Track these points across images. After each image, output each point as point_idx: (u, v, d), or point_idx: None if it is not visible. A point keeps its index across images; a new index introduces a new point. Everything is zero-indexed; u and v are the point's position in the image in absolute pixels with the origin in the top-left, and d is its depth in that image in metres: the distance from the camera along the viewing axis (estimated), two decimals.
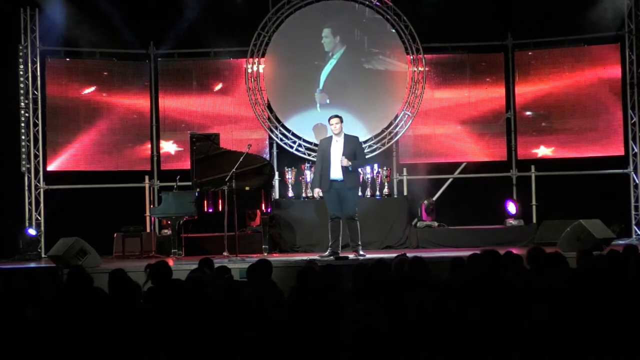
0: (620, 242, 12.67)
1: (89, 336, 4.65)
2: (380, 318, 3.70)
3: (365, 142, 14.84)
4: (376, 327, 3.64)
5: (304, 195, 14.26)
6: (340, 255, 11.66)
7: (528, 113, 15.21)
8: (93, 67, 15.09)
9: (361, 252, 11.74)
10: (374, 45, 15.03)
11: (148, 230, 14.57)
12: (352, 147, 11.76)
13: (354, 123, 14.76)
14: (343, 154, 11.66)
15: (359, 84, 14.96)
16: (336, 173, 11.70)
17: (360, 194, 14.30)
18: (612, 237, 12.16)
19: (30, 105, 14.58)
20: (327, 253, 11.83)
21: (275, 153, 15.17)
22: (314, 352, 4.10)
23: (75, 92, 14.92)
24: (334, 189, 11.79)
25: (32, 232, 14.27)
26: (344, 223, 11.91)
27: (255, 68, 14.95)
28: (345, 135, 11.84)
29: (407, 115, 14.91)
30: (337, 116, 11.94)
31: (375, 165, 14.42)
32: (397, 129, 14.96)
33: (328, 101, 14.81)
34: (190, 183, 13.13)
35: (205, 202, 12.52)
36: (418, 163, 15.13)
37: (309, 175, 14.04)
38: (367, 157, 12.48)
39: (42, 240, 14.38)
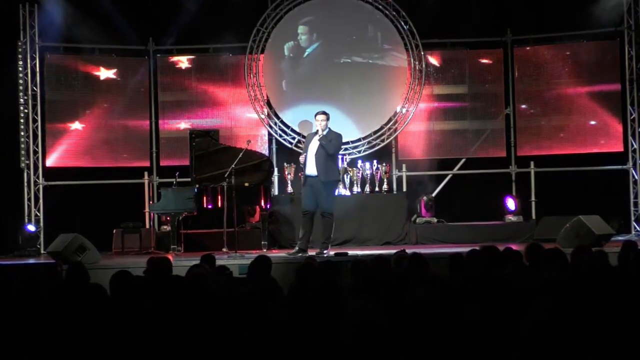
0: (620, 238, 12.66)
1: (87, 331, 4.65)
2: (380, 315, 3.70)
3: (364, 138, 14.88)
4: (375, 323, 3.63)
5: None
6: (341, 251, 11.62)
7: (524, 107, 15.20)
8: (92, 64, 15.08)
9: (325, 251, 11.44)
10: (374, 41, 15.03)
11: (147, 226, 14.58)
12: (329, 138, 11.55)
13: (352, 120, 14.81)
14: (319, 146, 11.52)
15: (359, 81, 14.95)
16: (311, 169, 11.55)
17: (359, 190, 14.36)
18: (611, 233, 12.14)
19: (30, 101, 14.58)
20: (294, 250, 11.67)
21: (274, 149, 15.18)
22: (313, 349, 4.10)
23: (74, 88, 14.92)
24: (308, 184, 11.67)
25: (31, 228, 14.27)
26: (317, 218, 11.78)
27: (254, 64, 14.95)
28: (330, 131, 11.62)
29: (406, 112, 14.91)
30: (324, 113, 11.66)
31: (375, 162, 14.43)
32: (396, 125, 14.96)
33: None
34: (189, 179, 13.13)
35: (205, 198, 12.52)
36: (417, 159, 15.14)
37: None
38: (337, 151, 11.66)
39: (42, 236, 14.39)
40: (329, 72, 15.00)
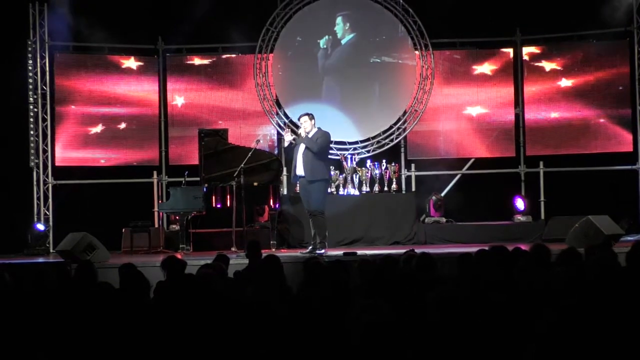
0: (629, 238, 12.63)
1: (95, 329, 4.66)
2: (386, 313, 3.69)
3: (374, 137, 14.87)
4: (382, 321, 3.63)
5: None
6: (350, 251, 11.59)
7: (533, 106, 15.16)
8: (101, 63, 15.11)
9: (318, 251, 11.36)
10: (383, 41, 15.03)
11: (156, 225, 14.58)
12: (316, 137, 11.52)
13: (361, 120, 14.82)
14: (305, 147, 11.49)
15: (368, 80, 14.96)
16: (300, 170, 11.54)
17: (368, 189, 14.33)
18: (620, 233, 12.10)
19: (39, 100, 14.63)
20: (308, 249, 11.70)
21: (283, 148, 15.16)
22: (321, 348, 4.10)
23: (83, 87, 14.94)
24: (301, 185, 11.74)
25: (40, 227, 14.30)
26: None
27: (263, 63, 14.96)
28: (318, 130, 11.58)
29: (415, 111, 14.90)
30: (306, 114, 11.66)
31: (384, 161, 14.42)
32: (405, 125, 14.95)
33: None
34: (198, 178, 13.14)
35: (214, 197, 12.54)
36: (426, 159, 15.12)
37: None
38: (322, 149, 11.49)
39: (51, 235, 14.42)
40: (345, 72, 14.99)
